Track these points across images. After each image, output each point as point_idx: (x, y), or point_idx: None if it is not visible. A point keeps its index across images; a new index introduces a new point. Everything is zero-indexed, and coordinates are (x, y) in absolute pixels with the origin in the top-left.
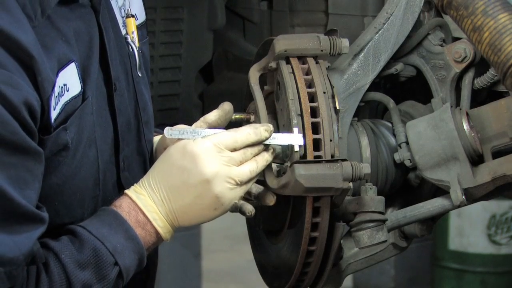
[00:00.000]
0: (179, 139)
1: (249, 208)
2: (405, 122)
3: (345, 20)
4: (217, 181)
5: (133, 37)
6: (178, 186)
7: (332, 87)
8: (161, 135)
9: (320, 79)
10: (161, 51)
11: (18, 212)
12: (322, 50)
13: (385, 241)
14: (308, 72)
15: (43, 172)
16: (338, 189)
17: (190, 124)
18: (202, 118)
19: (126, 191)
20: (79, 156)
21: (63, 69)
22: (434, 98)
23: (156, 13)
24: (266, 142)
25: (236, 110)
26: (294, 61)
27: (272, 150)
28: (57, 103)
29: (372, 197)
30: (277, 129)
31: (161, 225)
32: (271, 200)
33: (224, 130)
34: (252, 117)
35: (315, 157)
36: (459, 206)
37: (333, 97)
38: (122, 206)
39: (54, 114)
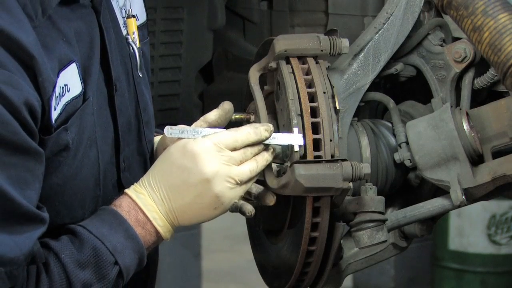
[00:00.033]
0: (179, 139)
1: (249, 208)
2: (405, 122)
3: (345, 20)
4: (217, 181)
5: (134, 38)
6: (178, 185)
7: (332, 87)
8: (161, 135)
9: (320, 79)
10: (161, 51)
11: (19, 212)
12: (322, 50)
13: (385, 241)
14: (308, 72)
15: (43, 173)
16: (338, 189)
17: (190, 124)
18: (202, 118)
19: (126, 190)
20: (79, 157)
21: (64, 69)
22: (434, 98)
23: (156, 13)
24: (266, 142)
25: (236, 110)
26: (294, 61)
27: (272, 150)
28: (58, 103)
29: (372, 197)
30: (277, 129)
31: (161, 224)
32: (271, 200)
33: (224, 129)
34: (252, 117)
35: (315, 157)
36: (459, 206)
37: (333, 97)
38: (122, 205)
39: (54, 114)
